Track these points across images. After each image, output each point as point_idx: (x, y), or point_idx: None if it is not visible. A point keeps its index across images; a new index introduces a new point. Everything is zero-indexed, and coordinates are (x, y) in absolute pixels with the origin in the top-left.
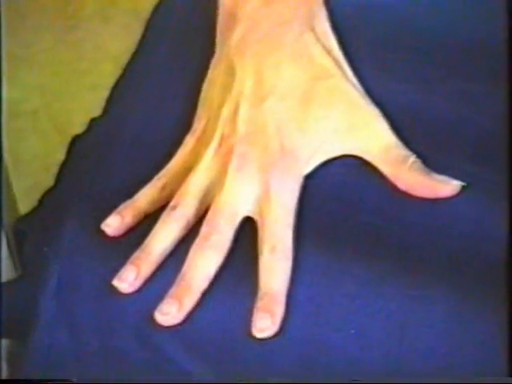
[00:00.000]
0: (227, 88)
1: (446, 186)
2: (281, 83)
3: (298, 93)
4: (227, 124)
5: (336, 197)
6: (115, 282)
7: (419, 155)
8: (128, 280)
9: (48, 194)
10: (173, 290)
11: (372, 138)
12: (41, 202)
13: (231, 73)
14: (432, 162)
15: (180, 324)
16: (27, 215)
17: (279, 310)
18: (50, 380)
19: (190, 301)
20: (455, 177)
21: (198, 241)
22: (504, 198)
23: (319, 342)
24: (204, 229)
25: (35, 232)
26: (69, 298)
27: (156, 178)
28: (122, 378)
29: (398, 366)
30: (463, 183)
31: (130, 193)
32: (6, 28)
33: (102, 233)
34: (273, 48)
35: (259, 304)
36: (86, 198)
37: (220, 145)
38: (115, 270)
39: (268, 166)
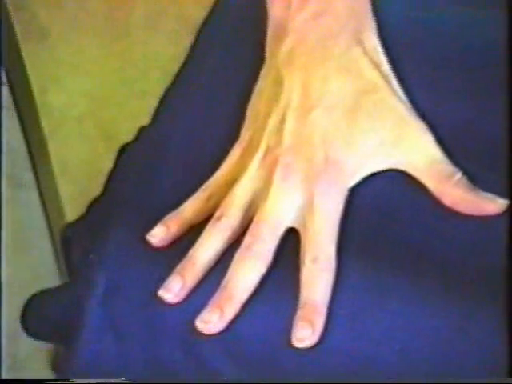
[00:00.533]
0: (274, 99)
1: (492, 204)
2: (327, 95)
3: (345, 106)
4: (273, 135)
5: (380, 211)
6: (161, 292)
7: (470, 173)
8: (174, 290)
9: (95, 201)
10: (215, 299)
11: (418, 153)
12: (88, 209)
13: (279, 84)
14: (483, 181)
15: (221, 333)
16: (74, 222)
17: (320, 321)
18: (50, 380)
19: (231, 310)
20: (506, 195)
21: (240, 250)
22: None
23: (360, 356)
24: (247, 238)
25: (82, 239)
26: (115, 306)
27: (202, 188)
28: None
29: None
30: (510, 202)
31: (177, 203)
32: (55, 34)
33: (148, 242)
34: (320, 60)
35: (300, 314)
36: (133, 207)
37: (265, 156)
38: (161, 280)
39: (312, 177)
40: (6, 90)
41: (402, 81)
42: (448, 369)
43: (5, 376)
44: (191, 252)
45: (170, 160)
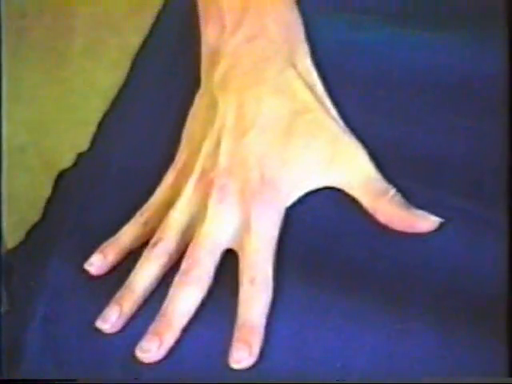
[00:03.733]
0: (209, 122)
1: (425, 221)
2: (262, 117)
3: (279, 126)
4: (208, 158)
5: (318, 229)
6: (99, 323)
7: (403, 189)
8: (111, 321)
9: (34, 228)
10: (153, 327)
11: (352, 171)
12: (27, 236)
13: (214, 107)
14: (416, 197)
15: (162, 359)
16: (14, 249)
17: (257, 341)
18: (50, 380)
19: (170, 337)
20: (440, 211)
21: (178, 276)
22: (490, 233)
23: (300, 375)
24: (185, 263)
25: (22, 266)
26: (54, 333)
27: (138, 213)
28: None
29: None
30: (441, 219)
31: (115, 228)
32: None
33: (83, 267)
34: (254, 83)
35: (237, 335)
36: (71, 232)
37: (200, 178)
38: (99, 308)
39: (249, 198)
40: None
41: (335, 101)
42: None
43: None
44: (129, 279)
45: (107, 185)
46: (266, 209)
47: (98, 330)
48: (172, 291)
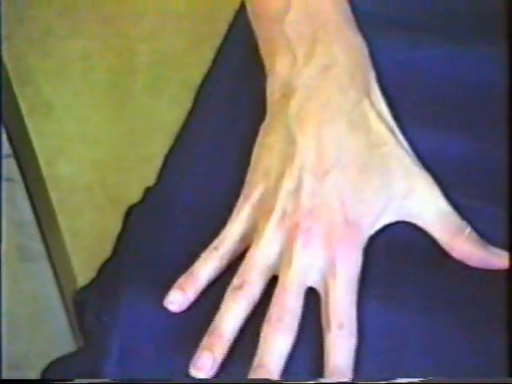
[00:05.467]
0: (287, 159)
1: (501, 259)
2: (341, 155)
3: (357, 163)
4: (289, 197)
5: (394, 256)
6: (193, 372)
7: (472, 208)
8: (205, 368)
9: (105, 264)
10: (252, 376)
11: (427, 206)
12: (99, 272)
13: (291, 143)
14: (484, 215)
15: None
16: (86, 286)
17: None
18: (50, 380)
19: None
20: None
21: (269, 324)
22: None
23: None
24: (275, 311)
25: (95, 302)
26: (131, 369)
27: (212, 247)
28: None
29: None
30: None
31: (186, 262)
32: (59, 106)
33: (160, 300)
34: (332, 117)
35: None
36: (144, 267)
37: (282, 218)
38: (175, 341)
39: (334, 242)
40: (12, 162)
41: (399, 124)
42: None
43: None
44: (215, 323)
45: (176, 219)
46: (351, 251)
47: (176, 361)
48: (265, 340)
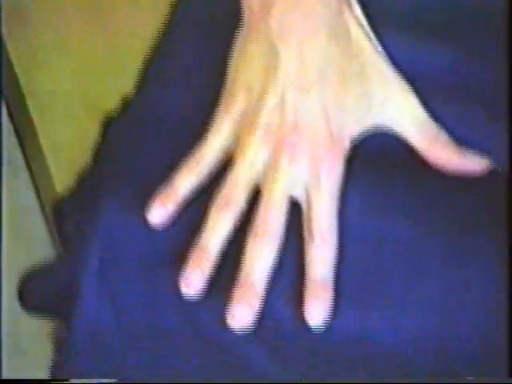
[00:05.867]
0: (269, 71)
1: (477, 164)
2: (324, 66)
3: (338, 73)
4: (274, 113)
5: (372, 164)
6: (182, 288)
7: (452, 116)
8: (194, 286)
9: (84, 174)
10: (238, 292)
11: (404, 112)
12: (78, 182)
13: (273, 55)
14: (464, 122)
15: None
16: (65, 196)
17: (330, 296)
18: (50, 380)
19: (257, 302)
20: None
21: (254, 238)
22: None
23: (371, 333)
24: (260, 225)
25: (74, 212)
26: (111, 278)
27: (193, 160)
28: (166, 355)
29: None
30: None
31: (165, 172)
32: (37, 16)
33: (140, 210)
34: (314, 28)
35: (310, 291)
36: (122, 177)
37: (267, 134)
38: (156, 250)
39: (318, 155)
40: None
41: (377, 32)
42: None
43: (6, 361)
44: (202, 240)
45: (155, 128)
46: (334, 165)
47: (156, 272)
48: (250, 254)
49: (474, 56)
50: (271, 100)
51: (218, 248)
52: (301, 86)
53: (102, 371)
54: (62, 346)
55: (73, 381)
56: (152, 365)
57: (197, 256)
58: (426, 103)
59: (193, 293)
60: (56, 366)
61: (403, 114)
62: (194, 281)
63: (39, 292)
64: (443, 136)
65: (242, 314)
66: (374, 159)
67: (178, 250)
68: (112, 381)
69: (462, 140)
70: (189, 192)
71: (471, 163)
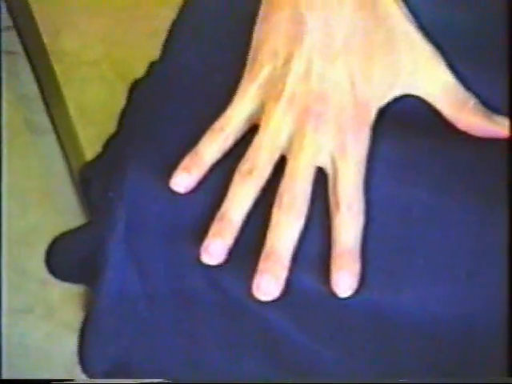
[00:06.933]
0: (296, 39)
1: (505, 128)
2: (350, 34)
3: (365, 42)
4: (300, 80)
5: (399, 129)
6: (203, 257)
7: (479, 79)
8: (217, 254)
9: (111, 140)
10: (265, 263)
11: (433, 80)
12: (104, 148)
13: (299, 22)
14: (490, 85)
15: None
16: (92, 162)
17: (358, 267)
18: (50, 380)
19: (283, 273)
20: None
21: (282, 207)
22: None
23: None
24: (286, 194)
25: (101, 177)
26: (137, 242)
27: (217, 125)
28: (190, 319)
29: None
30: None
31: (190, 139)
32: None
33: (165, 176)
34: None
35: (337, 262)
36: (147, 142)
37: (292, 102)
38: (181, 215)
39: (344, 124)
40: (13, 34)
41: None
42: None
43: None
44: (224, 209)
45: (181, 94)
46: (361, 133)
47: (181, 238)
48: (276, 226)
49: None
50: (297, 67)
51: (241, 217)
52: (327, 53)
53: (128, 336)
54: (89, 312)
55: (76, 381)
56: (176, 330)
57: (219, 225)
58: (453, 67)
59: (214, 263)
60: (84, 332)
61: (432, 82)
62: (215, 251)
63: (67, 258)
64: (472, 101)
65: (267, 285)
66: (400, 126)
67: (202, 216)
68: (120, 381)
69: (489, 104)
70: (214, 159)
71: (500, 127)
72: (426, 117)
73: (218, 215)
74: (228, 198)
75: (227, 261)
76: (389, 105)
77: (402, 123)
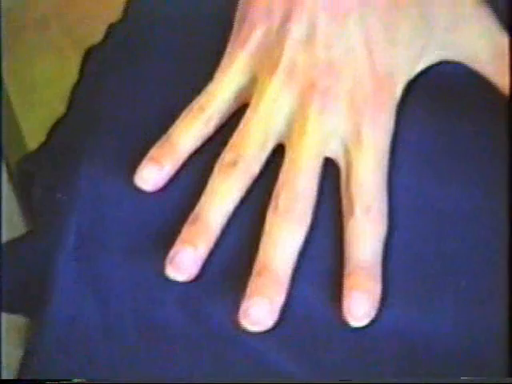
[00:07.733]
0: None
1: None
2: None
3: None
4: (300, 46)
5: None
6: (168, 270)
7: None
8: (185, 266)
9: (58, 124)
10: (254, 282)
11: (479, 40)
12: (50, 135)
13: None
14: None
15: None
16: (34, 153)
17: (377, 287)
18: (50, 380)
19: (281, 296)
20: None
21: (277, 211)
22: None
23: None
24: (284, 194)
25: (45, 174)
26: (92, 259)
27: (196, 104)
28: (166, 356)
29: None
30: None
31: (161, 120)
32: None
33: (129, 171)
34: None
35: (350, 281)
36: (105, 126)
37: (292, 73)
38: (147, 221)
39: (359, 102)
40: None
41: None
42: None
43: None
44: (199, 210)
45: (148, 61)
46: (380, 114)
47: (149, 253)
48: (270, 235)
49: None
50: (297, 29)
51: (220, 221)
52: (335, 10)
53: (82, 375)
54: (32, 345)
55: (76, 381)
56: (145, 368)
57: (190, 230)
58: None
59: (182, 278)
60: (25, 369)
61: (478, 42)
62: (183, 262)
63: (4, 280)
64: None
65: (259, 312)
66: (433, 105)
67: (176, 223)
68: (120, 381)
69: None
70: (191, 147)
71: None
72: (468, 92)
73: (190, 218)
74: (204, 196)
75: (201, 277)
76: (419, 76)
77: (437, 101)
